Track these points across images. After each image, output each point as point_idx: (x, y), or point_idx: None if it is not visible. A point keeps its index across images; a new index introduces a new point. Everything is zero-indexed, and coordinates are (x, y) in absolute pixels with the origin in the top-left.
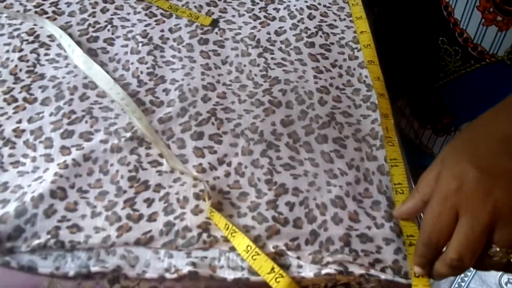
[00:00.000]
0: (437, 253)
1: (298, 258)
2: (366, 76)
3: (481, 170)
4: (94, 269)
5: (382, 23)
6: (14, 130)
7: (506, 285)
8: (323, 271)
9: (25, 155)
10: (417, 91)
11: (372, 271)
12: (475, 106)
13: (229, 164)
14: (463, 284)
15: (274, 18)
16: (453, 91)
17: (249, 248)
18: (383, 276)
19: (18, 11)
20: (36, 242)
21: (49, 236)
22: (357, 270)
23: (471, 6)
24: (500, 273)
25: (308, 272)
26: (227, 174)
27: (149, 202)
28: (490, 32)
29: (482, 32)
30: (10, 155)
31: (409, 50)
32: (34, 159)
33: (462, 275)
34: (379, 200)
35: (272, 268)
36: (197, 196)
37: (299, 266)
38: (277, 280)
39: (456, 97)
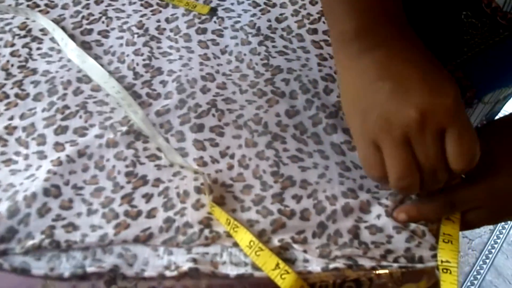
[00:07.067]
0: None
1: (305, 251)
2: None
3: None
4: (90, 269)
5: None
6: (6, 128)
7: None
8: (331, 266)
9: (17, 153)
10: None
11: (383, 263)
12: (502, 74)
13: (232, 157)
14: (479, 276)
15: (274, 5)
16: (478, 63)
17: (252, 243)
18: (395, 265)
19: (9, 5)
20: (30, 242)
21: (43, 236)
22: (367, 263)
23: None
24: None
25: (315, 266)
26: (230, 167)
27: (147, 197)
28: None
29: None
30: (2, 153)
31: (429, 28)
32: (26, 157)
33: (478, 267)
34: (396, 192)
35: (277, 264)
36: (198, 190)
37: (306, 261)
38: (283, 276)
39: (482, 70)
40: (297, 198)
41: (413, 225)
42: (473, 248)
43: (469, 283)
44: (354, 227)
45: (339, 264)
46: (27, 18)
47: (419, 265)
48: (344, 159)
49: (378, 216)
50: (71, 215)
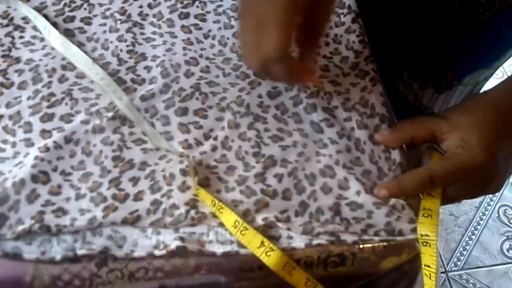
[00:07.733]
0: None
1: (289, 229)
2: (353, 42)
3: (488, 155)
4: (80, 252)
5: None
6: None
7: (508, 251)
8: (315, 242)
9: (4, 141)
10: (417, 52)
11: (365, 237)
12: (481, 55)
13: (215, 138)
14: (465, 252)
15: None
16: (459, 44)
17: (237, 223)
18: (376, 238)
19: None
20: (20, 227)
21: (33, 221)
22: (349, 238)
23: None
24: (502, 240)
25: (299, 243)
26: (214, 149)
27: (134, 181)
28: None
29: None
30: None
31: (410, 8)
32: (14, 145)
33: (464, 243)
34: (370, 170)
35: (262, 242)
36: (184, 172)
37: (290, 237)
38: (268, 254)
39: (462, 51)
40: (279, 177)
41: (393, 200)
42: (459, 225)
43: (455, 259)
44: (335, 205)
45: (322, 240)
46: (8, 7)
47: (399, 238)
48: (322, 137)
49: (358, 193)
50: (60, 200)
